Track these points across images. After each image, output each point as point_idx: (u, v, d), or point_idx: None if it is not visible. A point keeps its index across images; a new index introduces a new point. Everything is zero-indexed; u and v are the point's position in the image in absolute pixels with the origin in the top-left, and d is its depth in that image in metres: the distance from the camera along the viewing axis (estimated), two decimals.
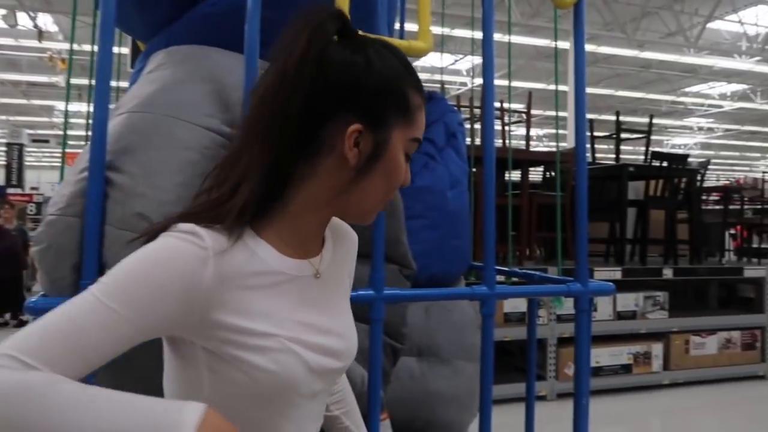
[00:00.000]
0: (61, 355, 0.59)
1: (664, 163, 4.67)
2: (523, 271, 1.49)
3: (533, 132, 19.54)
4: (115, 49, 1.73)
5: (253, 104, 0.74)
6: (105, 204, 0.94)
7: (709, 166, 5.70)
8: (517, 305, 4.16)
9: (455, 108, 1.76)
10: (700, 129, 18.60)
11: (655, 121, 5.52)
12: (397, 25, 1.74)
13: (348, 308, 0.84)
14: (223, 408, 0.65)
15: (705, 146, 21.50)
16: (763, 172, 5.71)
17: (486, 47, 1.18)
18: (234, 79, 1.06)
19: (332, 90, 0.72)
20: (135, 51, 2.53)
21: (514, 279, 1.68)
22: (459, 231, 1.70)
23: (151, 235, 0.70)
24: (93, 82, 0.93)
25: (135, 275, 0.65)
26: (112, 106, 1.02)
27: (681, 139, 20.25)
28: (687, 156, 4.72)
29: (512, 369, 4.45)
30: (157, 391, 0.75)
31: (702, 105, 15.59)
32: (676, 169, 4.73)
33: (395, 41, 1.11)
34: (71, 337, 0.60)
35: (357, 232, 1.23)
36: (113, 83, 1.79)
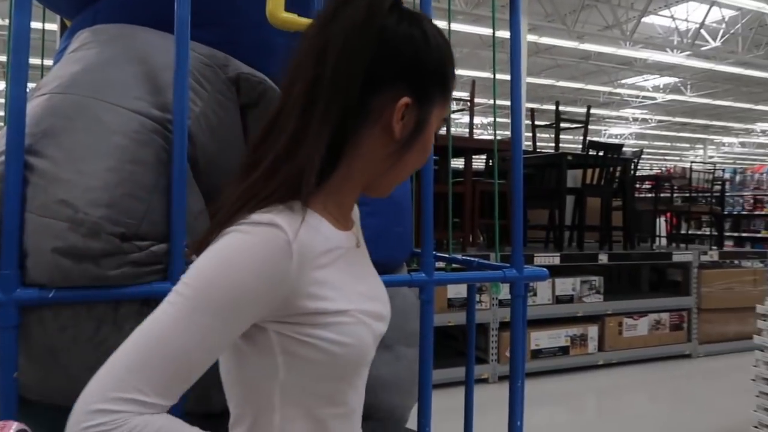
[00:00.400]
0: (170, 384, 0.60)
1: (600, 153, 4.84)
2: (463, 257, 1.52)
3: (479, 120, 19.84)
4: (40, 25, 1.64)
5: (303, 73, 0.70)
6: (25, 190, 0.89)
7: (642, 156, 5.95)
8: (459, 291, 4.24)
9: None
10: (636, 120, 19.37)
11: (593, 111, 5.75)
12: None
13: (376, 272, 0.86)
14: (298, 388, 0.68)
15: (640, 136, 22.42)
16: (692, 162, 6.00)
17: None
18: (164, 60, 1.02)
19: (392, 60, 0.71)
20: (63, 28, 2.40)
21: (455, 265, 1.70)
22: (401, 218, 1.70)
23: (223, 224, 0.65)
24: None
25: (222, 283, 0.61)
26: (33, 86, 0.96)
27: (618, 129, 21.03)
28: (622, 146, 4.90)
29: (456, 353, 4.55)
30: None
31: (637, 97, 16.22)
32: (611, 158, 4.90)
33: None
34: (175, 363, 0.60)
35: None
36: (38, 62, 1.69)
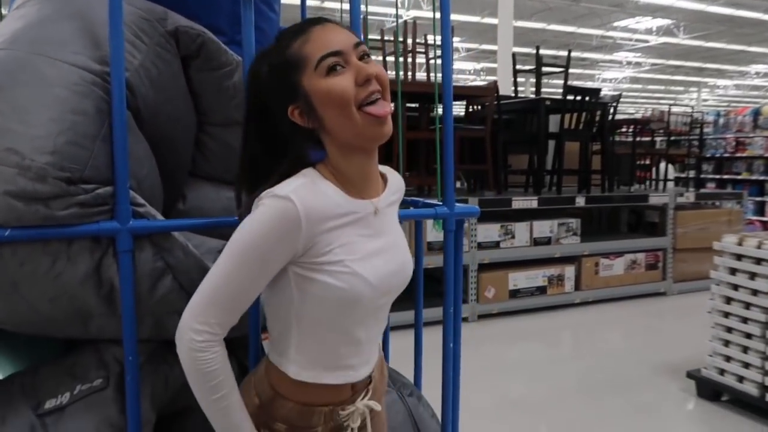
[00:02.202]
0: (232, 316, 0.90)
1: (578, 97, 4.89)
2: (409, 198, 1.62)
3: (469, 66, 19.59)
4: None
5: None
6: None
7: (638, 100, 5.95)
8: (438, 235, 4.38)
9: None
10: (629, 63, 19.14)
11: (586, 55, 5.72)
12: None
13: (400, 232, 1.07)
14: (311, 314, 0.93)
15: (633, 80, 22.19)
16: (669, 105, 6.04)
17: None
18: (104, 15, 1.08)
19: (271, 108, 0.96)
20: None
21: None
22: None
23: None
24: None
25: (255, 245, 0.87)
26: None
27: (611, 73, 20.81)
28: (599, 90, 4.94)
29: (438, 294, 4.72)
30: None
31: (630, 40, 15.99)
32: (590, 102, 4.95)
33: None
34: (236, 299, 0.90)
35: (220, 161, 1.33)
36: None
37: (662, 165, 6.69)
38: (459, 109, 6.11)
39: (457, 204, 1.40)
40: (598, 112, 5.18)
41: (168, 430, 1.39)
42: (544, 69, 5.58)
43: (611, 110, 5.37)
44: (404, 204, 1.69)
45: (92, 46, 1.10)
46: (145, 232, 1.12)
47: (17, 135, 0.99)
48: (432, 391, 1.60)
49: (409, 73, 5.11)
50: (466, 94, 4.98)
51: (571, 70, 5.80)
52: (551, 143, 5.27)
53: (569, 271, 5.04)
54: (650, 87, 23.63)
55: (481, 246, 4.64)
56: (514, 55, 5.87)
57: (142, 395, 1.19)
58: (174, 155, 1.31)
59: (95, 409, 1.19)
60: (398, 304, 1.13)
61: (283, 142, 0.97)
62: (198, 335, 0.88)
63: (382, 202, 0.99)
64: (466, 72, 20.35)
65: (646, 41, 16.08)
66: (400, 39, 4.70)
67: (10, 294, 1.08)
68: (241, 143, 0.99)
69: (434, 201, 1.45)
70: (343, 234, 0.92)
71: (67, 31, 1.10)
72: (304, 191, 0.88)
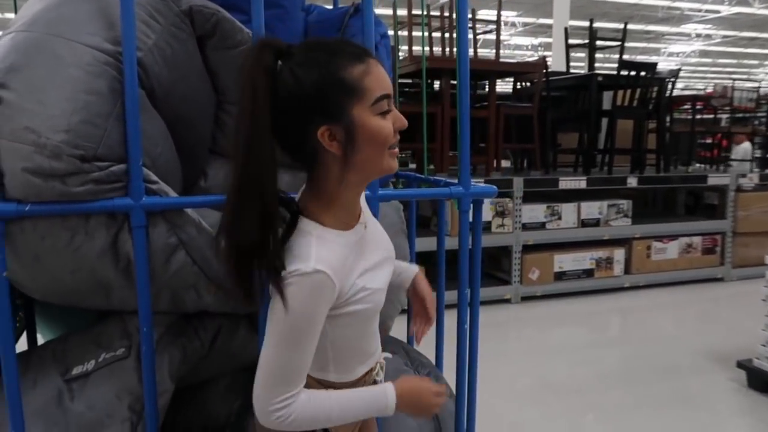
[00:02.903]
0: (301, 381, 0.92)
1: (633, 73, 4.67)
2: (422, 176, 1.59)
3: (526, 41, 19.03)
4: None
5: (238, 141, 0.86)
6: None
7: (706, 75, 5.60)
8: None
9: (379, 20, 1.80)
10: (698, 36, 18.10)
11: (650, 27, 5.42)
12: None
13: (375, 221, 1.09)
14: (343, 336, 0.97)
15: (703, 53, 21.00)
16: (733, 80, 5.67)
17: None
18: None
19: (290, 114, 0.87)
20: None
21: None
22: None
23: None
24: None
25: (302, 322, 0.88)
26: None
27: (678, 47, 19.75)
28: (655, 65, 4.69)
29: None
30: None
31: (699, 10, 15.10)
32: (646, 77, 4.72)
33: None
34: (300, 369, 0.91)
35: None
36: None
37: (745, 144, 6.32)
38: (507, 85, 5.96)
39: (475, 183, 1.37)
40: (655, 88, 4.94)
41: (189, 401, 1.45)
42: (599, 43, 5.35)
43: (669, 86, 5.11)
44: (424, 183, 1.67)
45: (107, 27, 1.14)
46: (158, 208, 1.15)
47: (34, 114, 1.03)
48: (454, 373, 1.59)
49: (453, 49, 5.00)
50: (512, 70, 4.85)
51: (634, 44, 5.59)
52: (604, 121, 5.07)
53: (619, 254, 4.88)
54: (721, 61, 22.31)
55: (525, 227, 4.55)
56: (566, 29, 5.65)
57: (159, 365, 1.24)
58: (192, 133, 1.34)
59: (117, 377, 1.25)
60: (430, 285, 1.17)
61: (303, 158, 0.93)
62: (280, 411, 0.90)
63: (365, 214, 1.04)
64: (523, 48, 19.79)
65: (718, 11, 15.15)
66: (446, 14, 4.61)
67: (33, 265, 1.14)
68: (240, 151, 0.85)
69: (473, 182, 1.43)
70: (356, 265, 0.95)
71: (83, 13, 1.13)
72: (323, 253, 0.88)
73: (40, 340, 1.60)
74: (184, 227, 1.19)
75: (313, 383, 1.00)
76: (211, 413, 1.44)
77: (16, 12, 1.23)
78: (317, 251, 0.88)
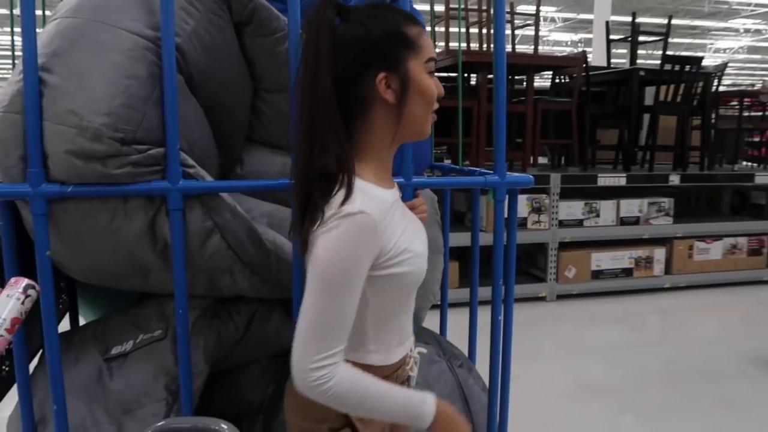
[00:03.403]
0: (342, 335, 0.89)
1: (677, 67, 4.53)
2: (457, 166, 1.58)
3: (566, 37, 18.70)
4: None
5: (304, 91, 0.91)
6: (41, 102, 1.06)
7: (755, 72, 5.37)
8: (517, 211, 4.26)
9: (417, 12, 1.79)
10: (747, 31, 17.46)
11: (696, 23, 5.24)
12: None
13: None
14: (384, 305, 0.96)
15: (752, 50, 20.26)
16: None
17: None
18: None
19: (351, 61, 0.92)
20: None
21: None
22: None
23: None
24: None
25: (343, 270, 0.87)
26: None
27: (726, 42, 19.10)
28: (701, 59, 4.54)
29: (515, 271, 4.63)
30: None
31: (748, 5, 14.55)
32: (689, 72, 4.58)
33: None
34: (342, 325, 0.89)
35: (275, 126, 1.35)
36: None
37: None
38: (546, 81, 5.86)
39: (510, 173, 1.35)
40: (700, 84, 4.78)
41: (224, 385, 1.47)
42: (641, 38, 5.21)
43: (715, 81, 4.94)
44: (459, 173, 1.66)
45: (148, 13, 1.16)
46: (195, 192, 1.17)
47: (76, 97, 1.06)
48: (487, 368, 1.57)
49: (490, 44, 4.94)
50: (551, 64, 4.76)
51: (678, 40, 5.43)
52: (646, 118, 4.93)
53: (659, 253, 4.75)
54: None
55: (562, 224, 4.47)
56: (607, 23, 5.52)
57: (194, 347, 1.26)
58: (229, 120, 1.36)
59: (154, 357, 1.28)
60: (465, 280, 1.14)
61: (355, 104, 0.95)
62: (318, 372, 0.87)
63: (396, 189, 1.06)
64: (563, 43, 19.45)
65: (767, 6, 14.59)
66: (483, 8, 4.56)
67: (74, 246, 1.17)
68: (307, 96, 0.91)
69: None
70: (398, 224, 0.95)
71: None
72: (366, 200, 0.89)
73: (82, 321, 1.64)
74: (219, 211, 1.20)
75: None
76: (244, 397, 1.46)
77: None
78: (361, 198, 0.89)
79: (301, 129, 0.91)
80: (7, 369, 1.36)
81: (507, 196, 1.38)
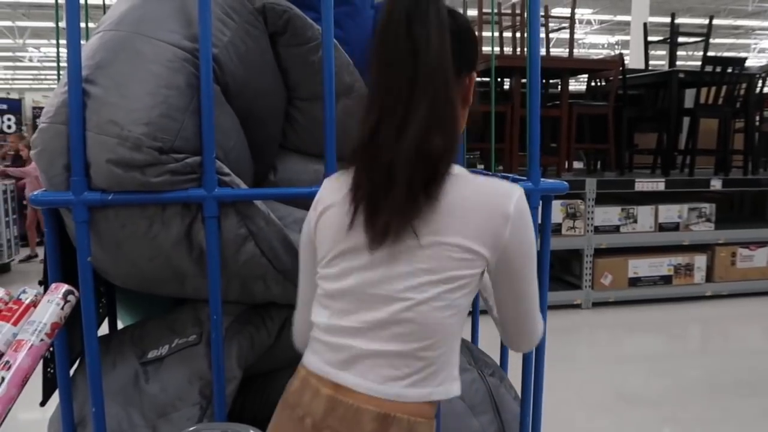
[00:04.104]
0: None
1: (719, 69, 4.40)
2: (488, 172, 1.56)
3: (603, 39, 18.39)
4: None
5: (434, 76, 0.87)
6: (84, 113, 1.09)
7: None
8: (556, 217, 4.20)
9: None
10: None
11: (739, 22, 5.08)
12: None
13: None
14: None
15: None
16: None
17: None
18: None
19: (465, 57, 0.94)
20: None
21: None
22: None
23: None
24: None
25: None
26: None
27: None
28: (744, 59, 4.41)
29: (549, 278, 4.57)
30: None
31: None
32: (732, 74, 4.44)
33: None
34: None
35: (308, 134, 1.36)
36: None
37: None
38: (582, 84, 5.77)
39: (544, 180, 1.33)
40: (743, 85, 4.63)
41: (257, 391, 1.49)
42: (681, 39, 5.09)
43: (759, 83, 4.78)
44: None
45: (186, 25, 1.18)
46: (230, 199, 1.19)
47: (117, 108, 1.09)
48: (519, 376, 1.55)
49: (525, 48, 4.89)
50: (587, 67, 4.69)
51: (720, 41, 5.30)
52: (685, 121, 4.81)
53: (700, 260, 4.62)
54: None
55: (598, 230, 4.39)
56: (645, 24, 5.40)
57: (227, 353, 1.28)
58: (263, 129, 1.38)
59: (188, 362, 1.30)
60: None
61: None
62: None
63: None
64: (599, 46, 19.13)
65: None
66: (517, 12, 4.52)
67: (114, 252, 1.20)
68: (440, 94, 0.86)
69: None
70: None
71: (165, 11, 1.19)
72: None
73: (120, 326, 1.69)
74: (254, 219, 1.22)
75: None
76: (276, 403, 1.47)
77: (104, 13, 1.30)
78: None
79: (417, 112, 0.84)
80: (51, 371, 1.40)
81: (540, 203, 1.36)
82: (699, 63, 4.44)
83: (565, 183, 1.35)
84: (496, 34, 4.83)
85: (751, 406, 2.82)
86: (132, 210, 1.15)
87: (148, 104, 1.09)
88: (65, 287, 0.90)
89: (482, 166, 5.11)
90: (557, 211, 4.26)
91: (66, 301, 0.89)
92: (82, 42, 1.14)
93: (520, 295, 0.92)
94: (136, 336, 1.42)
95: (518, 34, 4.65)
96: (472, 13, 4.78)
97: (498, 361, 1.72)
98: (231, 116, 1.26)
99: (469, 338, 1.84)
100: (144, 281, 1.30)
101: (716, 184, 4.55)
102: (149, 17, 1.17)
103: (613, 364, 3.44)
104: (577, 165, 5.75)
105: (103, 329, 1.55)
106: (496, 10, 4.90)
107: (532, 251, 0.90)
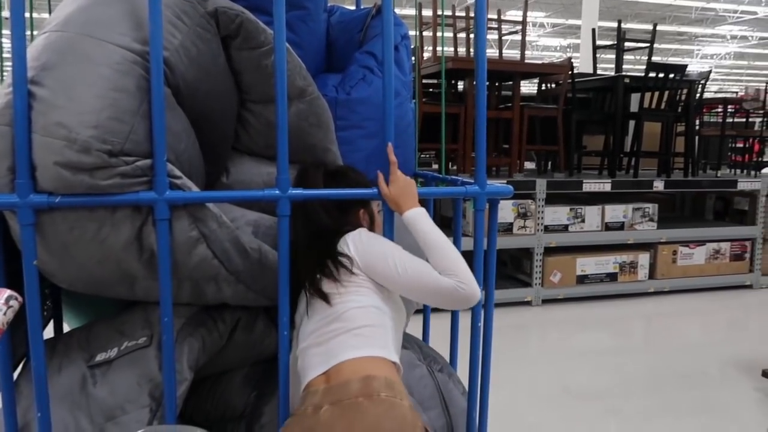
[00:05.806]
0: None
1: (661, 74, 4.60)
2: (440, 175, 1.61)
3: (555, 42, 18.85)
4: None
5: None
6: (30, 114, 1.08)
7: (741, 78, 5.45)
8: (504, 216, 4.31)
9: (400, 21, 1.82)
10: (733, 37, 17.70)
11: (684, 29, 5.33)
12: None
13: None
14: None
15: (738, 56, 20.53)
16: (766, 83, 5.53)
17: None
18: None
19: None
20: None
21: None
22: (399, 141, 1.80)
23: None
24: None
25: None
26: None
27: (713, 48, 19.34)
28: (685, 66, 4.62)
29: (500, 276, 4.70)
30: None
31: (734, 11, 14.76)
32: (674, 80, 4.65)
33: None
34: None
35: (261, 137, 1.37)
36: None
37: None
38: (533, 87, 5.92)
39: (491, 183, 1.38)
40: (684, 91, 4.86)
41: (208, 391, 1.49)
42: (627, 44, 5.28)
43: (699, 88, 5.02)
44: (442, 183, 1.69)
45: (135, 27, 1.18)
46: (181, 202, 1.19)
47: (65, 110, 1.08)
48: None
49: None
50: (537, 71, 4.82)
51: (666, 46, 5.52)
52: (631, 124, 5.00)
53: (643, 258, 4.81)
54: (757, 63, 21.77)
55: (548, 229, 4.52)
56: (594, 29, 5.59)
57: (179, 354, 1.28)
58: (215, 131, 1.38)
59: (138, 364, 1.29)
60: None
61: None
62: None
63: None
64: (551, 48, 19.60)
65: (754, 12, 14.79)
66: (471, 15, 4.60)
67: (62, 255, 1.19)
68: None
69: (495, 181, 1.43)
70: None
71: (114, 14, 1.18)
72: None
73: (66, 328, 1.66)
74: (205, 221, 1.23)
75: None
76: (228, 403, 1.48)
77: (50, 13, 1.28)
78: None
79: None
80: None
81: (487, 205, 1.42)
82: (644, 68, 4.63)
83: (510, 187, 1.41)
84: (450, 35, 4.92)
85: (691, 398, 2.97)
86: (80, 213, 1.14)
87: (97, 107, 1.09)
88: (8, 292, 0.89)
89: (437, 165, 5.19)
90: (509, 211, 4.37)
91: (8, 306, 0.88)
92: (26, 32, 1.12)
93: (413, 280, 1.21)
94: (83, 339, 1.41)
95: (472, 36, 4.73)
96: (426, 13, 4.84)
97: (447, 358, 1.77)
98: (182, 119, 1.26)
99: (419, 336, 1.89)
100: (92, 284, 1.29)
101: (659, 185, 4.74)
102: (98, 19, 1.16)
103: (561, 359, 3.55)
104: (529, 165, 5.90)
105: (49, 332, 1.52)
106: (449, 13, 4.98)
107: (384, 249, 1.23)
